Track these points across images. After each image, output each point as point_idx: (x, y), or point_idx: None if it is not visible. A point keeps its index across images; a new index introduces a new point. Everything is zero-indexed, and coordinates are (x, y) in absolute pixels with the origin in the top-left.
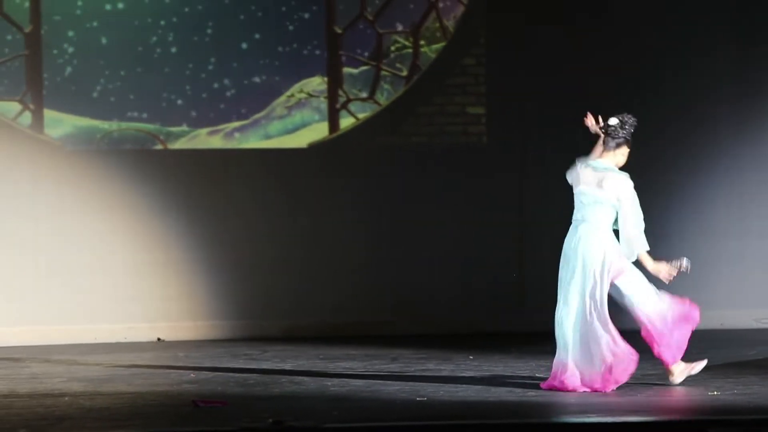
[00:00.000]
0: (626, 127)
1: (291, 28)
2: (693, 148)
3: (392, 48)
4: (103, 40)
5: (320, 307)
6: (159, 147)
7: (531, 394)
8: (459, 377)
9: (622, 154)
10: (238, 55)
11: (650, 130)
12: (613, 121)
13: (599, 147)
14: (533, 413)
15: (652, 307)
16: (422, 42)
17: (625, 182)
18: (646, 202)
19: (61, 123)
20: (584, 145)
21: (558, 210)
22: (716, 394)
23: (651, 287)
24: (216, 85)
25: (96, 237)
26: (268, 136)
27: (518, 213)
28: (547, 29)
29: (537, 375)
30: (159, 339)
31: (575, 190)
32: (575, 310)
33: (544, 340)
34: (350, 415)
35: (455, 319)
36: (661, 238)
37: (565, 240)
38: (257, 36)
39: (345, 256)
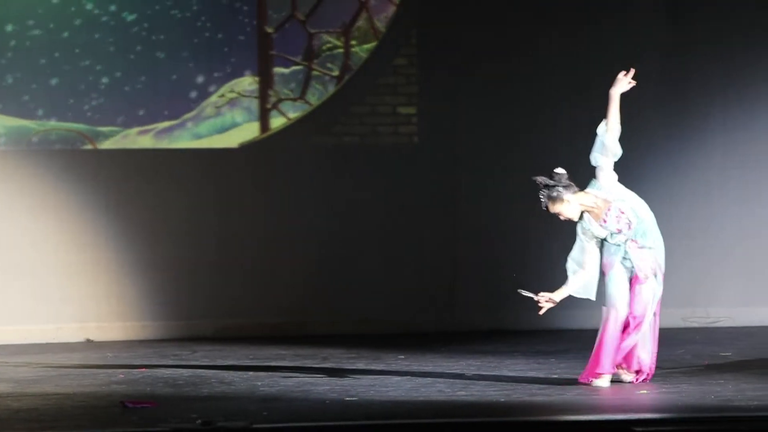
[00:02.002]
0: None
1: (221, 27)
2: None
3: (323, 48)
4: (33, 40)
5: (250, 307)
6: (88, 147)
7: (460, 394)
8: (389, 377)
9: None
10: (169, 55)
11: (579, 132)
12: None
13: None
14: (462, 412)
15: None
16: (353, 42)
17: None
18: None
19: None
20: (515, 146)
21: (490, 210)
22: (644, 392)
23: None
24: (146, 85)
25: (26, 237)
26: (198, 136)
27: (450, 213)
28: (479, 29)
29: (467, 374)
30: (88, 340)
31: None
32: None
33: (473, 340)
34: (280, 416)
35: (386, 318)
36: None
37: None
38: (188, 35)
39: (276, 257)
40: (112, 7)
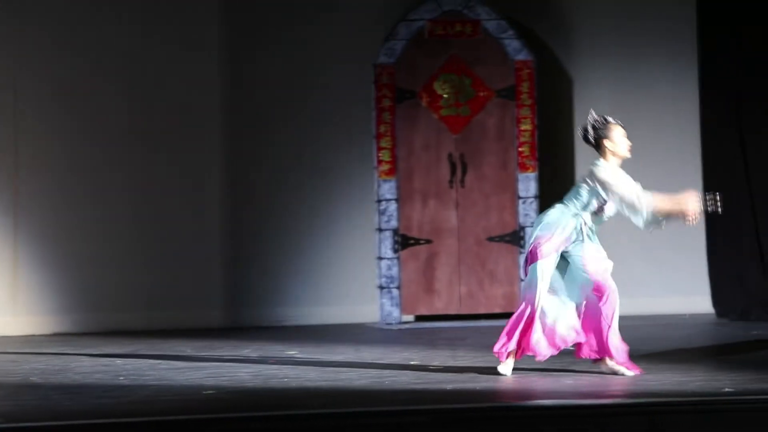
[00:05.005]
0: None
1: None
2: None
3: None
4: None
5: None
6: None
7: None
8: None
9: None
10: None
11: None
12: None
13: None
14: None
15: None
16: None
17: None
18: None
19: None
20: (78, 148)
21: (51, 212)
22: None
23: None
24: None
25: None
26: None
27: (9, 214)
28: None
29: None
30: None
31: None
32: None
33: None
34: None
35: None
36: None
37: None
38: None
39: None
40: None
